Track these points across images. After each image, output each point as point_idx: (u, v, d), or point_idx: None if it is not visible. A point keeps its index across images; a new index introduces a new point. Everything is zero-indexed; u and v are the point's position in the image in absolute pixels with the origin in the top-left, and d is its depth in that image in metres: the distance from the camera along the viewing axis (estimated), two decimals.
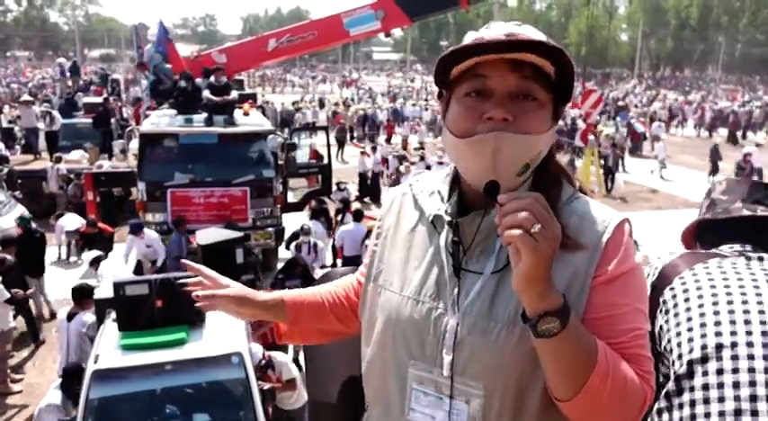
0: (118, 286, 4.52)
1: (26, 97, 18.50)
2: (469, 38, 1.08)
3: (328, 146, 10.82)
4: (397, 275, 1.17)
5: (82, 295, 5.94)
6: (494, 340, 1.02)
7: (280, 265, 9.31)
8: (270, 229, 9.26)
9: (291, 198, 10.36)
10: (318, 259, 8.30)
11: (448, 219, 1.11)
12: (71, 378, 4.80)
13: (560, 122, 1.39)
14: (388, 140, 22.00)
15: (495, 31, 1.06)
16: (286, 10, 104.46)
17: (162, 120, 9.59)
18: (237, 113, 9.71)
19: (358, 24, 11.94)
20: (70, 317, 5.90)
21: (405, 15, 11.98)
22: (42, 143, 15.23)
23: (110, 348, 4.36)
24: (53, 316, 8.16)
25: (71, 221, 9.93)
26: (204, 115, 9.46)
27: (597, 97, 15.55)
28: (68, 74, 24.22)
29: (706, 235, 1.61)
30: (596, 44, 52.86)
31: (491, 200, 0.94)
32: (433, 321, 1.08)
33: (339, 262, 8.94)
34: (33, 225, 8.58)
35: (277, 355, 5.17)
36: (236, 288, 1.27)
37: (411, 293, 1.12)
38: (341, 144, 20.30)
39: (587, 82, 32.68)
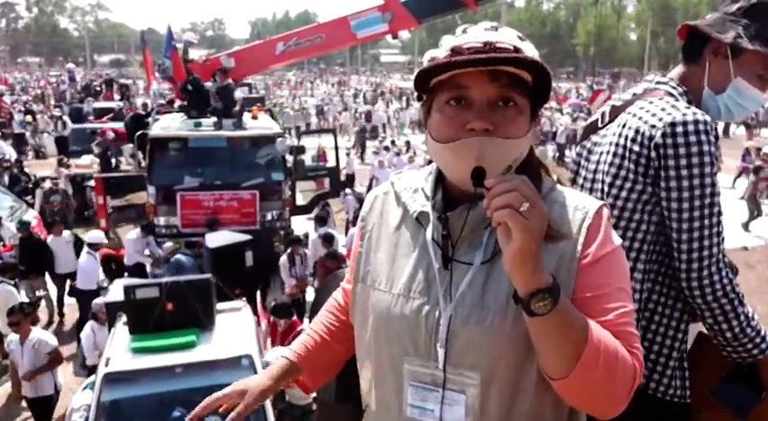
0: (128, 289, 4.55)
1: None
2: (447, 43, 1.10)
3: (336, 148, 10.83)
4: (384, 274, 1.18)
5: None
6: (488, 327, 1.05)
7: None
8: (279, 232, 9.28)
9: (300, 201, 10.38)
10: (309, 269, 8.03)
11: (436, 214, 1.13)
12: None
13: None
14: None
15: (473, 36, 1.08)
16: (294, 13, 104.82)
17: (171, 124, 9.64)
18: (246, 117, 9.75)
19: (365, 27, 11.91)
20: None
21: (412, 17, 11.94)
22: (52, 148, 15.38)
23: (120, 351, 4.40)
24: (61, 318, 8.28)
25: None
26: (213, 119, 9.51)
27: (606, 97, 15.53)
28: (78, 79, 24.42)
29: None
30: (605, 44, 52.63)
31: (478, 185, 0.97)
32: (425, 316, 1.10)
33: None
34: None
35: None
36: (250, 388, 1.29)
37: (400, 290, 1.14)
38: (363, 146, 20.32)
39: (596, 84, 32.46)
